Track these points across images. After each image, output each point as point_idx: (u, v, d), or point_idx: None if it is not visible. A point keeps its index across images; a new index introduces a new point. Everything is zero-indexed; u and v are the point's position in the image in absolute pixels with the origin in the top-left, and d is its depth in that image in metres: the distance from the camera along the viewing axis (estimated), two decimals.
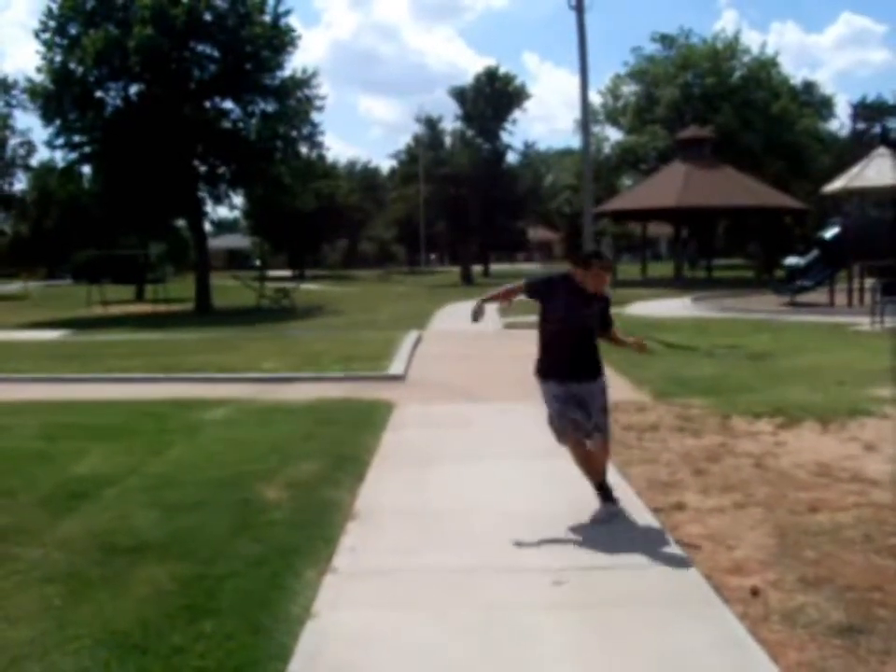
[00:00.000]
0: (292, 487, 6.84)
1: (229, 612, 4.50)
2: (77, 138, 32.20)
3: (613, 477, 7.14)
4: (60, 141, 32.09)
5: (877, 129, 79.85)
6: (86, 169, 34.80)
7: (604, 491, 6.11)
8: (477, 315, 6.24)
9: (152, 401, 11.11)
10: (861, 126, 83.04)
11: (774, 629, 4.28)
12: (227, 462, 7.70)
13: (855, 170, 26.90)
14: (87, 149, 32.55)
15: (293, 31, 33.29)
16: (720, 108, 56.52)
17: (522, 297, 6.29)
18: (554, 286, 6.06)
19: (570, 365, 5.96)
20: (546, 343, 6.09)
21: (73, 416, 10.27)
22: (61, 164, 34.67)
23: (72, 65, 30.84)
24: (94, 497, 6.65)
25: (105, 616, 4.48)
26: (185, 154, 32.21)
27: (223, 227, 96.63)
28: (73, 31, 31.14)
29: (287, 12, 33.18)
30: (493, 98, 65.01)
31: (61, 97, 30.70)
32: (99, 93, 32.06)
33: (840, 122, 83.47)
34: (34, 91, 31.25)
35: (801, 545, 5.40)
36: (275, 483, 6.95)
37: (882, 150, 28.02)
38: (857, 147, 59.99)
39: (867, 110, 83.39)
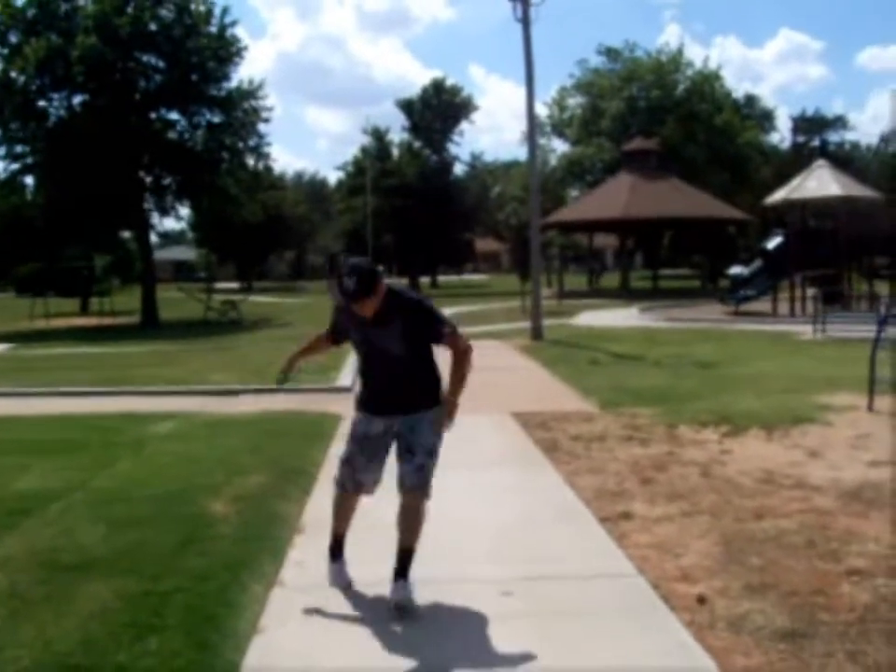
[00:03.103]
0: (239, 501, 6.77)
1: (175, 629, 4.44)
2: (18, 148, 31.78)
3: (561, 487, 7.19)
4: (1, 151, 31.64)
5: (816, 142, 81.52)
6: (28, 180, 34.32)
7: (405, 562, 4.85)
8: (284, 378, 5.23)
9: (98, 415, 10.95)
10: (800, 139, 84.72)
11: (720, 636, 4.32)
12: (174, 476, 7.61)
13: (796, 182, 27.41)
14: (29, 160, 32.14)
15: (239, 42, 33.34)
16: (664, 121, 57.26)
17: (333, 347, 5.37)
18: (347, 314, 4.89)
19: (387, 397, 4.89)
20: (361, 372, 5.11)
21: (14, 432, 10.09)
22: (2, 175, 34.06)
23: (13, 74, 30.44)
24: (37, 514, 6.52)
25: (47, 636, 4.38)
26: (130, 165, 31.94)
27: (169, 239, 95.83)
28: (13, 39, 30.75)
29: (234, 23, 33.24)
30: (440, 110, 65.28)
31: (1, 106, 30.28)
32: (42, 103, 31.75)
33: (781, 135, 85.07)
34: None
35: (746, 552, 5.46)
36: (222, 496, 6.87)
37: (821, 163, 28.62)
38: (797, 160, 61.10)
39: (806, 123, 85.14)
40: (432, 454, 4.90)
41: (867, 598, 4.70)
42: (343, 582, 5.06)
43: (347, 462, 5.03)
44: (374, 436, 4.94)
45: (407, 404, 4.86)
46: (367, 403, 4.99)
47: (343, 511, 5.18)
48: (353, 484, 5.07)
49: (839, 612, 4.53)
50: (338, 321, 5.07)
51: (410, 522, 4.89)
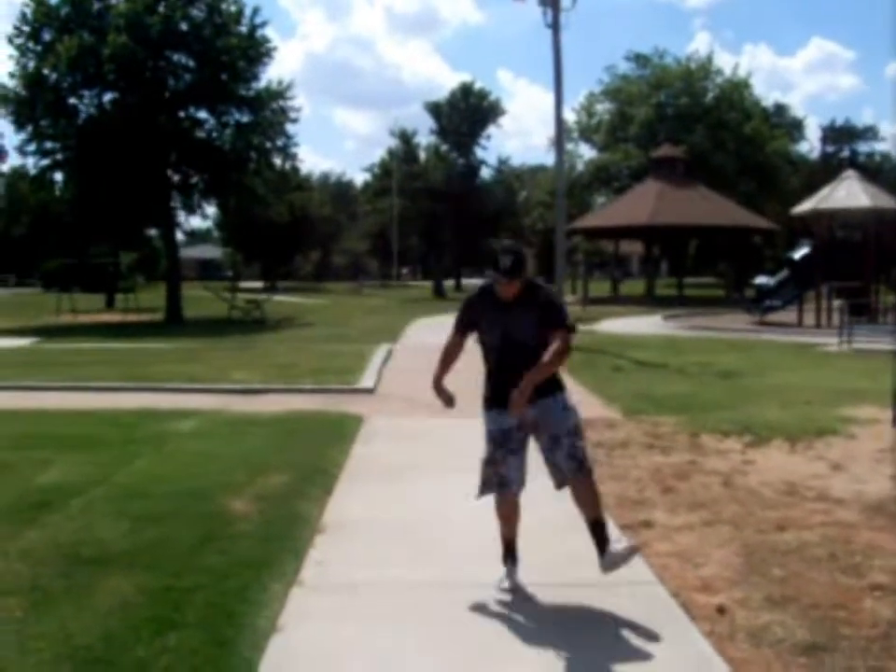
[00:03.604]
0: (260, 500, 6.80)
1: (194, 625, 4.46)
2: (49, 145, 31.96)
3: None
4: (31, 147, 31.85)
5: (846, 152, 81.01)
6: (58, 176, 34.47)
7: (600, 534, 4.97)
8: (449, 400, 5.32)
9: (121, 411, 11.02)
10: (830, 149, 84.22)
11: (740, 647, 4.29)
12: (195, 473, 7.64)
13: (824, 192, 27.23)
14: (59, 156, 32.31)
15: (269, 42, 33.33)
16: (692, 128, 57.02)
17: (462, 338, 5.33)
18: (478, 302, 5.19)
19: (512, 385, 4.85)
20: (486, 364, 5.24)
21: (39, 426, 10.16)
22: (32, 171, 34.23)
23: (45, 71, 30.66)
24: (59, 508, 6.57)
25: (68, 629, 4.42)
26: (158, 163, 32.07)
27: (195, 237, 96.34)
28: (47, 37, 30.98)
29: (264, 23, 33.21)
30: (468, 113, 65.19)
31: (33, 103, 30.49)
32: (72, 100, 31.89)
33: (810, 145, 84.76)
34: (5, 97, 30.91)
35: (767, 563, 5.42)
36: (244, 495, 6.90)
37: (850, 173, 28.40)
38: (826, 170, 60.76)
39: (836, 133, 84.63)
40: (576, 432, 4.98)
41: (890, 614, 4.65)
42: (510, 585, 5.09)
43: (489, 462, 5.11)
44: (508, 429, 5.01)
45: (534, 392, 4.86)
46: (494, 399, 5.07)
47: (502, 516, 5.23)
48: (498, 480, 5.09)
49: (861, 627, 4.49)
50: (465, 315, 5.21)
51: (588, 499, 5.00)
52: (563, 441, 4.92)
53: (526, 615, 4.73)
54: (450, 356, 5.32)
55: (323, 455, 8.47)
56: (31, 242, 61.92)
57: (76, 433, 9.60)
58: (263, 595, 4.89)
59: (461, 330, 5.26)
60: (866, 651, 4.23)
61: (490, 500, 5.21)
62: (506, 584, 5.08)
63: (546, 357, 4.84)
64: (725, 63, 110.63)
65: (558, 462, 4.95)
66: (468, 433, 9.78)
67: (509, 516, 5.22)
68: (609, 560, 4.88)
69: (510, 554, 5.21)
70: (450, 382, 5.34)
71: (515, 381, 4.81)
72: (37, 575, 5.16)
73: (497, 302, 4.99)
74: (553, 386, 5.03)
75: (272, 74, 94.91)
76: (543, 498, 6.27)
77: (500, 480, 5.08)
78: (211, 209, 42.21)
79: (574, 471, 4.93)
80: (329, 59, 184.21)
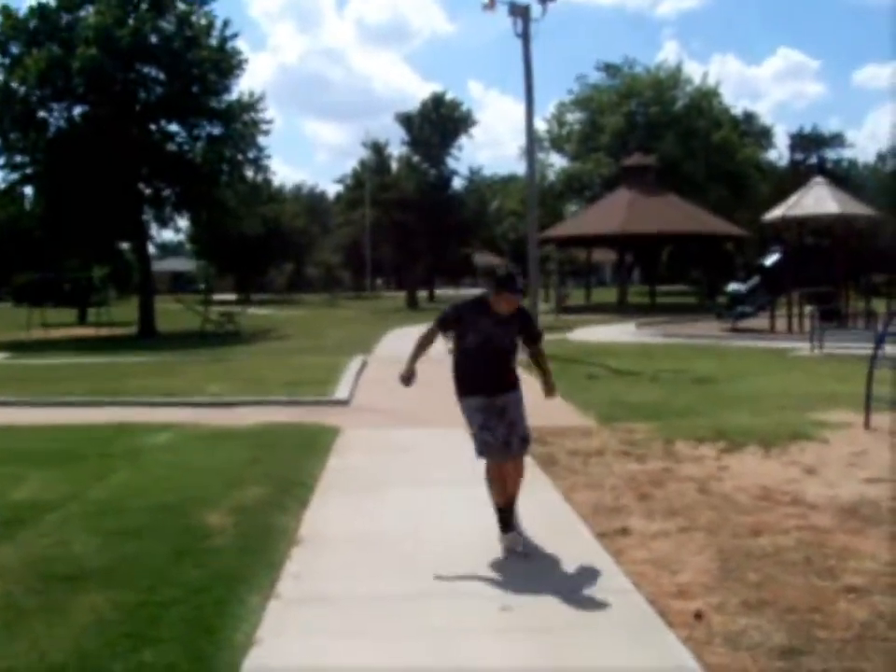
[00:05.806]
0: (236, 513, 6.76)
1: (171, 640, 4.43)
2: (18, 158, 31.75)
3: (558, 503, 7.19)
4: (0, 161, 31.62)
5: (814, 159, 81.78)
6: (28, 190, 34.26)
7: (509, 515, 5.98)
8: (409, 380, 6.16)
9: (94, 426, 10.93)
10: (798, 156, 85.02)
11: (717, 652, 4.32)
12: (170, 487, 7.60)
13: (793, 199, 27.44)
14: (29, 170, 32.10)
15: (240, 54, 33.35)
16: (663, 136, 57.41)
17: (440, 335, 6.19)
18: (467, 312, 6.04)
19: (490, 380, 5.98)
20: (464, 364, 6.08)
21: (11, 441, 10.07)
22: (1, 185, 33.97)
23: (14, 85, 30.45)
24: (33, 524, 6.50)
25: (42, 647, 4.37)
26: (129, 176, 31.90)
27: (168, 250, 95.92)
28: (15, 50, 30.80)
29: (234, 35, 33.19)
30: (439, 124, 65.23)
31: (1, 117, 30.28)
32: (42, 113, 31.72)
33: (779, 152, 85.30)
34: None
35: (743, 568, 5.45)
36: (219, 508, 6.86)
37: (819, 180, 28.64)
38: (795, 177, 61.29)
39: (804, 141, 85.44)
40: (525, 419, 6.09)
41: (864, 615, 4.70)
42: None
43: (483, 428, 5.91)
44: (481, 408, 5.94)
45: (501, 386, 6.01)
46: (469, 388, 6.01)
47: (500, 481, 5.97)
48: (497, 445, 5.91)
49: (836, 629, 4.53)
50: (451, 317, 6.07)
51: (517, 475, 6.04)
52: (518, 425, 5.99)
53: (503, 624, 4.73)
54: (425, 347, 6.20)
55: (299, 468, 8.44)
56: (0, 256, 61.31)
57: (49, 448, 9.51)
58: (240, 608, 4.87)
59: (442, 329, 6.13)
60: (841, 652, 4.26)
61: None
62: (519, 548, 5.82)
63: (546, 365, 6.34)
64: (694, 72, 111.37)
65: (511, 442, 5.94)
66: (442, 444, 9.80)
67: (501, 475, 5.97)
68: (510, 538, 5.83)
69: (505, 522, 5.92)
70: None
71: (491, 375, 5.96)
72: (10, 592, 5.11)
73: (490, 314, 5.90)
74: (517, 383, 6.12)
75: (243, 86, 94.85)
76: (518, 507, 6.29)
77: (488, 444, 5.90)
78: (183, 222, 42.00)
79: (522, 449, 6.06)
80: (300, 70, 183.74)
